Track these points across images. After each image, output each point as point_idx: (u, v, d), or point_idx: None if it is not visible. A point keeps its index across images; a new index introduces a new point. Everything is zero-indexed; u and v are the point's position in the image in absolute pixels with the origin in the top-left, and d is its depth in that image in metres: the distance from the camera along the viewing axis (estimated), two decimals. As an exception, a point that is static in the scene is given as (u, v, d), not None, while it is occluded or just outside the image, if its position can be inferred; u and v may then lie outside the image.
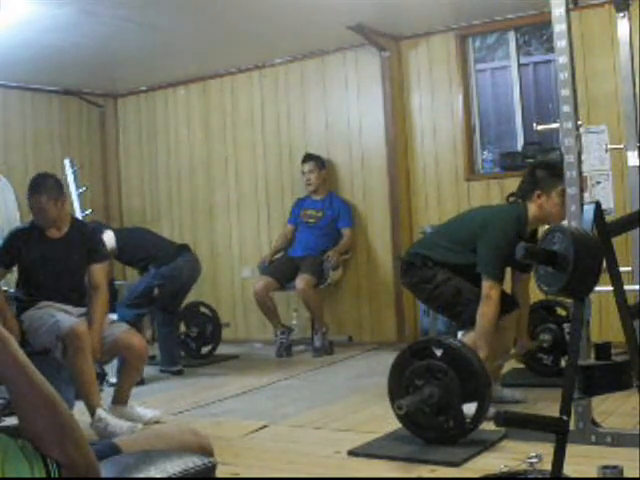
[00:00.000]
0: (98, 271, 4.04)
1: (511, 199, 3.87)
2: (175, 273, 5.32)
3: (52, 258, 3.97)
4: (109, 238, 5.37)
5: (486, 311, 3.56)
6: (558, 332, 4.27)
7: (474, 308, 3.60)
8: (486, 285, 3.58)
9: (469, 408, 3.62)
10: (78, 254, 4.03)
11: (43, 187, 3.91)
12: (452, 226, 3.98)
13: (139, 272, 5.63)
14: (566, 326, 4.23)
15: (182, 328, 5.93)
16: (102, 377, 4.61)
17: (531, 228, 3.77)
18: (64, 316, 3.83)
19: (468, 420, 3.17)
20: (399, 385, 3.27)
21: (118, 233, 5.46)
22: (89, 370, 3.70)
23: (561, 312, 4.38)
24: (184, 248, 5.57)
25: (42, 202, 3.89)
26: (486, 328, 3.55)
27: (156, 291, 5.22)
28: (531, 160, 5.58)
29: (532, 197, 3.70)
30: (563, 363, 4.39)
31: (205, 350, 5.87)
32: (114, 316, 4.52)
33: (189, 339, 5.90)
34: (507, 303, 3.75)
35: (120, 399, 3.95)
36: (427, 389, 3.14)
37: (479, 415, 3.16)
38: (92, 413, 3.68)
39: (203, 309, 5.97)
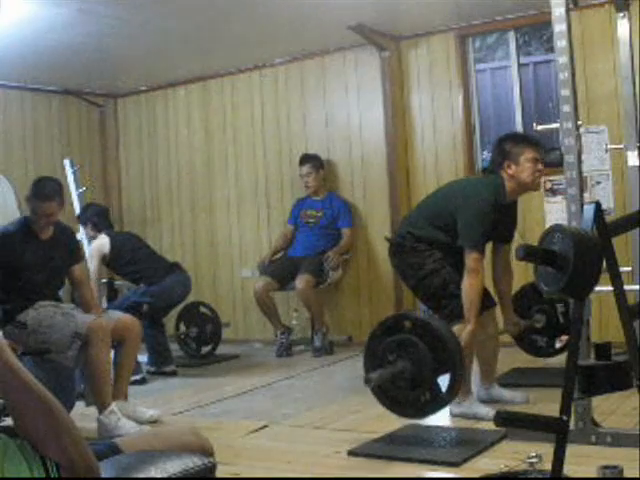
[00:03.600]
0: (80, 269, 4.23)
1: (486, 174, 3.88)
2: (166, 292, 5.33)
3: (44, 258, 3.98)
4: (103, 244, 5.37)
5: (472, 282, 3.56)
6: (551, 312, 4.23)
7: (457, 304, 3.60)
8: (470, 257, 3.58)
9: (472, 407, 3.64)
10: (63, 254, 4.10)
11: (54, 193, 3.94)
12: (434, 200, 3.93)
13: (130, 281, 5.63)
14: (559, 306, 4.21)
15: (182, 328, 5.94)
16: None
17: (510, 199, 3.77)
18: (76, 313, 3.89)
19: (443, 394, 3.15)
20: (373, 363, 3.25)
21: (113, 241, 5.44)
22: (108, 364, 3.81)
23: None
24: (176, 267, 5.57)
25: (53, 208, 3.94)
26: (473, 299, 3.55)
27: (145, 307, 5.18)
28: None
29: (504, 169, 3.71)
30: (558, 344, 4.38)
31: (205, 350, 5.87)
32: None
33: (189, 339, 5.90)
34: (485, 300, 3.75)
35: (120, 393, 3.97)
36: (399, 363, 3.13)
37: (452, 385, 3.14)
38: (103, 408, 3.71)
39: (203, 309, 5.97)
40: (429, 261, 3.70)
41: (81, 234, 5.60)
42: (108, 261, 5.43)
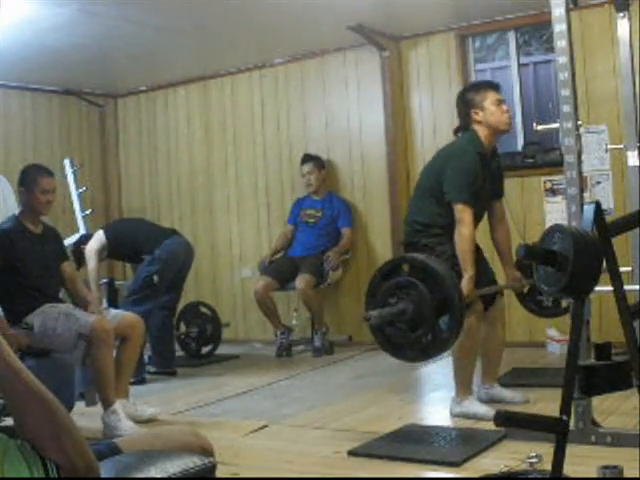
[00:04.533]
0: (69, 266, 4.27)
1: (459, 134, 3.90)
2: (169, 255, 5.26)
3: (40, 253, 3.98)
4: (98, 238, 5.35)
5: (462, 232, 3.59)
6: None
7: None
8: (457, 208, 3.61)
9: (472, 407, 3.63)
10: (55, 249, 4.13)
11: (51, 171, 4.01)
12: (425, 177, 3.94)
13: (133, 267, 5.62)
14: None
15: (182, 328, 5.93)
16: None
17: (488, 147, 3.78)
18: (81, 313, 3.89)
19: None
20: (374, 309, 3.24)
21: (107, 231, 5.42)
22: (111, 365, 3.80)
23: None
24: (173, 232, 5.54)
25: (54, 183, 3.99)
26: (466, 248, 3.57)
27: (156, 278, 5.16)
28: (531, 160, 5.59)
29: (472, 119, 3.75)
30: (564, 303, 4.33)
31: (205, 350, 5.87)
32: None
33: (189, 339, 5.90)
34: (489, 294, 3.76)
35: (120, 391, 3.97)
36: (400, 305, 3.13)
37: (453, 324, 3.13)
38: (107, 407, 3.72)
39: (203, 309, 5.97)
40: (442, 258, 3.70)
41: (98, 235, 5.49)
42: (109, 251, 5.39)
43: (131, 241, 5.41)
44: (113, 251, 5.44)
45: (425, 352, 3.20)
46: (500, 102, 3.76)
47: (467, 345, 3.61)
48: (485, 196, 3.81)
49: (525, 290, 4.19)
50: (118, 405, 3.75)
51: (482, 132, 3.75)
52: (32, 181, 3.97)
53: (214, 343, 5.88)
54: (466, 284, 3.49)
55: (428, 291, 3.11)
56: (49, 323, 3.81)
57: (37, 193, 3.95)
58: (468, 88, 3.95)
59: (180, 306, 5.83)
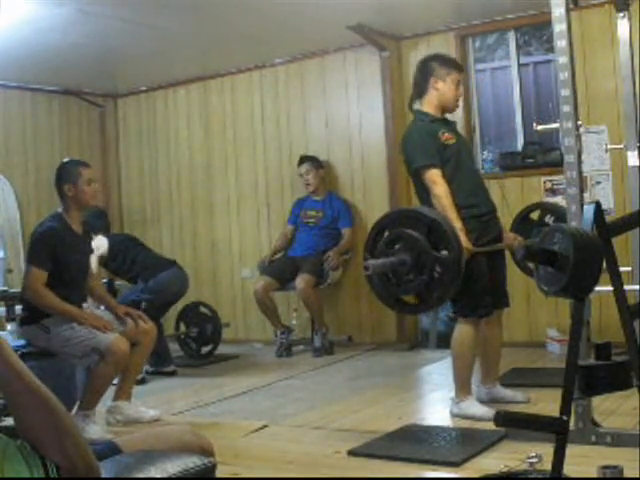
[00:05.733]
0: (93, 261, 4.30)
1: (413, 106, 3.90)
2: (162, 287, 5.34)
3: (82, 254, 3.95)
4: (102, 244, 5.36)
5: (438, 192, 3.59)
6: None
7: (466, 303, 3.61)
8: (425, 174, 3.63)
9: (471, 407, 3.63)
10: (89, 248, 4.10)
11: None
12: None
13: (127, 281, 5.64)
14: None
15: (182, 328, 5.93)
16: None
17: (439, 117, 3.80)
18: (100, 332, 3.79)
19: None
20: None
21: (111, 242, 5.44)
22: (110, 383, 3.84)
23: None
24: (172, 264, 5.57)
25: (95, 172, 4.01)
26: (444, 203, 3.57)
27: (143, 305, 5.16)
28: (531, 160, 5.59)
29: (428, 87, 3.79)
30: None
31: (205, 350, 5.87)
32: None
33: (189, 339, 5.90)
34: (498, 299, 3.78)
35: (124, 393, 4.00)
36: (399, 255, 3.15)
37: (451, 260, 3.14)
38: (82, 409, 3.73)
39: (203, 309, 5.97)
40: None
41: (101, 241, 5.50)
42: (105, 262, 5.43)
43: (130, 262, 5.45)
44: (107, 264, 5.47)
45: (425, 297, 3.22)
46: (459, 83, 3.82)
47: (463, 351, 3.65)
48: (468, 154, 3.86)
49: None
50: (94, 413, 3.76)
51: (431, 103, 3.78)
52: (76, 174, 3.87)
53: (214, 343, 5.87)
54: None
55: (425, 237, 3.15)
56: (65, 332, 3.75)
57: (83, 186, 3.86)
58: (433, 57, 3.93)
59: (180, 306, 5.83)
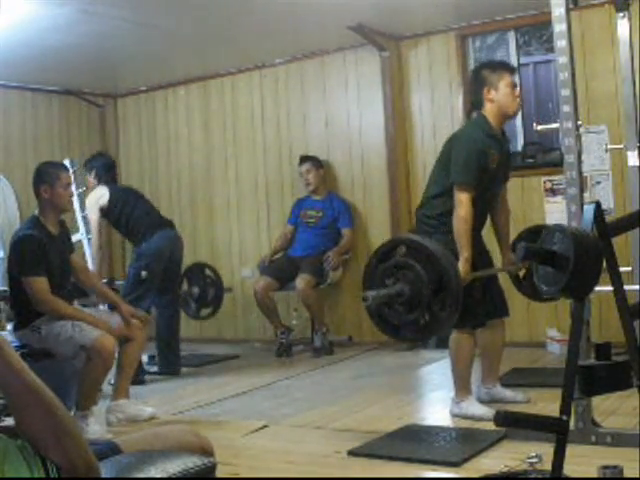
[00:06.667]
0: (77, 256, 4.27)
1: (472, 115, 3.88)
2: (154, 250, 5.18)
3: (61, 255, 3.92)
4: (102, 195, 5.26)
5: (459, 212, 3.57)
6: None
7: (460, 314, 3.59)
8: (457, 190, 3.59)
9: (471, 408, 3.63)
10: (68, 248, 4.07)
11: None
12: (435, 168, 3.91)
13: (121, 234, 5.63)
14: None
15: (184, 287, 5.78)
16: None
17: (497, 127, 3.76)
18: (87, 326, 3.77)
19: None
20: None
21: (112, 193, 5.29)
22: (100, 382, 3.83)
23: None
24: (165, 224, 5.38)
25: (70, 177, 3.97)
26: (462, 229, 3.56)
27: (144, 274, 5.09)
28: (531, 160, 5.59)
29: (483, 97, 3.72)
30: None
31: (205, 312, 5.79)
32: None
33: (190, 299, 5.77)
34: (498, 308, 3.80)
35: (121, 391, 3.99)
36: (397, 286, 3.11)
37: (450, 303, 3.09)
38: (79, 410, 3.73)
39: (208, 271, 5.86)
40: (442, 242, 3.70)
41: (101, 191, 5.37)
42: (106, 213, 5.29)
43: (125, 219, 5.29)
44: (107, 216, 5.33)
45: (422, 332, 3.19)
46: (514, 86, 3.74)
47: (460, 356, 3.67)
48: (499, 179, 3.80)
49: (521, 274, 4.17)
50: (92, 413, 3.75)
51: (491, 110, 3.71)
52: (55, 177, 3.85)
53: (214, 306, 5.79)
54: (462, 266, 3.48)
55: (425, 272, 3.09)
56: (55, 329, 3.76)
57: (60, 189, 3.84)
58: (485, 65, 3.88)
59: (184, 265, 5.66)
